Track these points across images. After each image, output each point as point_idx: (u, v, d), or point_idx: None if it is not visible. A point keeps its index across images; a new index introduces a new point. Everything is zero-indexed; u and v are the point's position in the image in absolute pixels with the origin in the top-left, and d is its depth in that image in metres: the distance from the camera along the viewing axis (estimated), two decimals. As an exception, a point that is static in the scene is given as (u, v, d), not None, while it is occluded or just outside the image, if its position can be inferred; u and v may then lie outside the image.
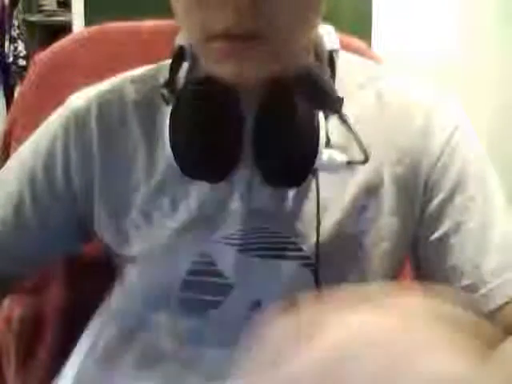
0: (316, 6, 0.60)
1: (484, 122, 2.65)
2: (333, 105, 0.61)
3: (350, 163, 0.61)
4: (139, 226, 0.67)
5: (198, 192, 0.65)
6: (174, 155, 0.62)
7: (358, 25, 2.80)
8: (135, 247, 0.68)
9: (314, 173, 0.60)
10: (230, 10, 0.54)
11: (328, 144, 0.60)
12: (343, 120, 0.61)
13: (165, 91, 0.63)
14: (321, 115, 0.60)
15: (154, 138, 0.67)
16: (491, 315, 0.63)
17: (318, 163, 0.59)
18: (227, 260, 0.65)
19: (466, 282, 0.63)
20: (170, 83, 0.63)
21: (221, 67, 0.59)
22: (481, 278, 0.63)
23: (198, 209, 0.65)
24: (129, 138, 0.68)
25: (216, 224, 0.65)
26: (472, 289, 0.63)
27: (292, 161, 0.60)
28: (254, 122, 0.61)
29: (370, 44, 2.72)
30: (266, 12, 0.55)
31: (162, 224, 0.66)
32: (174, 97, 0.62)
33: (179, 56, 0.65)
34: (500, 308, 0.62)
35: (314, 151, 0.59)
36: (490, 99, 2.81)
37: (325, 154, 0.59)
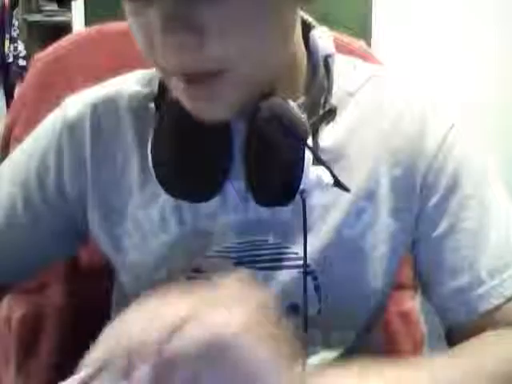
0: (275, 30, 0.55)
1: (483, 120, 2.65)
2: (302, 134, 0.58)
3: (336, 185, 0.60)
4: (132, 235, 0.67)
5: (190, 205, 0.64)
6: (157, 176, 0.60)
7: (358, 26, 2.80)
8: (129, 255, 0.67)
9: (302, 193, 0.59)
10: (174, 53, 0.52)
11: (318, 161, 0.59)
12: (312, 151, 0.58)
13: (152, 106, 0.62)
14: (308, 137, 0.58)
15: (148, 147, 0.66)
16: (489, 315, 0.63)
17: (304, 183, 0.58)
18: (224, 274, 0.64)
19: (462, 281, 0.64)
20: (159, 97, 0.62)
21: (186, 106, 0.57)
22: (477, 278, 0.63)
23: (190, 222, 0.65)
24: (122, 145, 0.67)
25: (210, 238, 0.64)
26: (468, 288, 0.64)
27: (278, 182, 0.59)
28: (244, 139, 0.59)
29: (369, 44, 2.72)
30: (212, 51, 0.52)
31: (153, 235, 0.66)
32: (159, 114, 0.61)
33: None
34: (496, 308, 0.63)
35: (299, 173, 0.58)
36: (490, 98, 2.81)
37: (312, 174, 0.58)
